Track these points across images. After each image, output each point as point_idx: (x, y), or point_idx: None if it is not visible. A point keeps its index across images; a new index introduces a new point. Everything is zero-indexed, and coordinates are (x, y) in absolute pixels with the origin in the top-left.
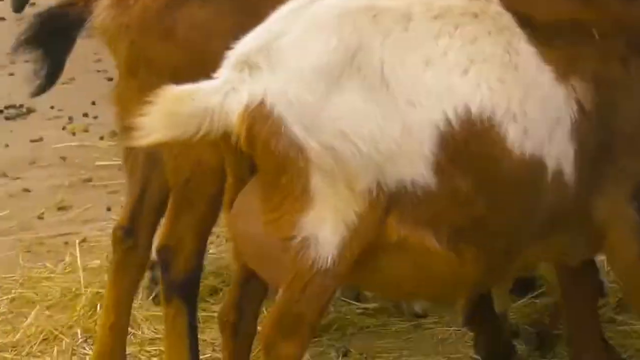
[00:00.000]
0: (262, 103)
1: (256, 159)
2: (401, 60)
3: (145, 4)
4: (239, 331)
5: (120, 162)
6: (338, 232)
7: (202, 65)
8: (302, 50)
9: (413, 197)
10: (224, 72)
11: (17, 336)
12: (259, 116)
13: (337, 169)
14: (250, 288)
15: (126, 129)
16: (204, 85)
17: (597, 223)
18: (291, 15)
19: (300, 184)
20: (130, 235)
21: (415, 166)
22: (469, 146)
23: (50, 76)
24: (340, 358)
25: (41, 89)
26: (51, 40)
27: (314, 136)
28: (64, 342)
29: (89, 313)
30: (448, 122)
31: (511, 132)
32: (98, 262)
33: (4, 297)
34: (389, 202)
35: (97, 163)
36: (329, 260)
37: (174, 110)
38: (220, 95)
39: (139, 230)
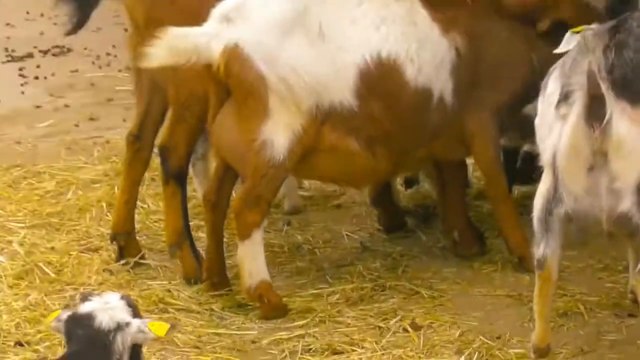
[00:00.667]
0: (236, 45)
1: (231, 86)
2: (334, 19)
3: None
4: (216, 206)
5: (132, 88)
6: (287, 138)
7: (196, 24)
8: (265, 9)
9: (341, 114)
10: (210, 22)
11: (59, 207)
12: (234, 55)
13: (288, 94)
14: (226, 176)
15: (137, 59)
16: (196, 29)
17: (467, 133)
18: None
19: (262, 103)
20: (138, 140)
21: (343, 93)
22: (379, 79)
23: (79, 23)
24: (285, 226)
25: (73, 31)
26: None
27: (273, 70)
28: (93, 211)
29: (110, 192)
30: (366, 62)
31: (409, 70)
32: (117, 157)
33: (52, 180)
34: (324, 117)
35: (117, 88)
36: (280, 157)
37: (173, 44)
38: (206, 37)
39: (145, 136)
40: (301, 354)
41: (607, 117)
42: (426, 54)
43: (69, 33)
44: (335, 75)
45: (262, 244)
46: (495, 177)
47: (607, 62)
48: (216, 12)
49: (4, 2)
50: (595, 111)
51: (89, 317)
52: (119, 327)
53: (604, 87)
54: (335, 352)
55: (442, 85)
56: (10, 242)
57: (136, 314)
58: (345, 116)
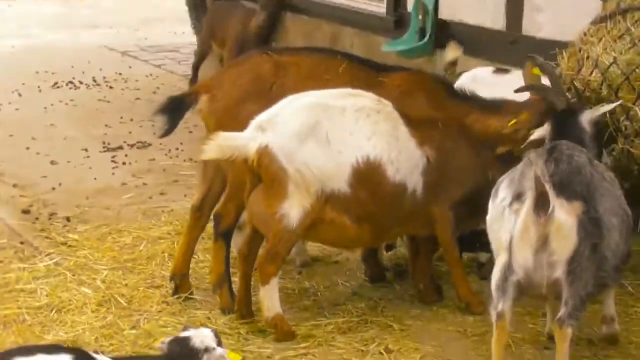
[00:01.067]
0: (266, 146)
1: (261, 174)
2: (337, 130)
3: (225, 101)
4: (247, 258)
5: (193, 173)
6: (299, 212)
7: None
8: (288, 122)
9: (338, 198)
10: (249, 129)
11: (134, 256)
12: (264, 153)
13: (301, 182)
14: (255, 238)
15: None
16: (239, 134)
17: (433, 219)
18: (283, 104)
19: (282, 187)
20: (199, 210)
21: (340, 183)
22: (367, 175)
23: (170, 128)
24: (297, 274)
25: (165, 135)
26: (173, 111)
27: (291, 165)
28: (158, 259)
29: (171, 246)
30: (358, 162)
31: (389, 169)
32: (177, 221)
33: (129, 236)
34: (326, 199)
35: (181, 172)
36: (294, 225)
37: (222, 143)
38: (246, 140)
39: (204, 208)
40: None
41: (550, 208)
42: (403, 159)
43: (162, 136)
44: (336, 170)
45: (277, 287)
46: (450, 249)
47: (548, 170)
48: (254, 122)
49: (104, 109)
50: (541, 205)
51: (186, 339)
52: (207, 350)
53: (547, 187)
54: None
55: (415, 182)
56: (94, 279)
57: (220, 344)
58: (341, 199)
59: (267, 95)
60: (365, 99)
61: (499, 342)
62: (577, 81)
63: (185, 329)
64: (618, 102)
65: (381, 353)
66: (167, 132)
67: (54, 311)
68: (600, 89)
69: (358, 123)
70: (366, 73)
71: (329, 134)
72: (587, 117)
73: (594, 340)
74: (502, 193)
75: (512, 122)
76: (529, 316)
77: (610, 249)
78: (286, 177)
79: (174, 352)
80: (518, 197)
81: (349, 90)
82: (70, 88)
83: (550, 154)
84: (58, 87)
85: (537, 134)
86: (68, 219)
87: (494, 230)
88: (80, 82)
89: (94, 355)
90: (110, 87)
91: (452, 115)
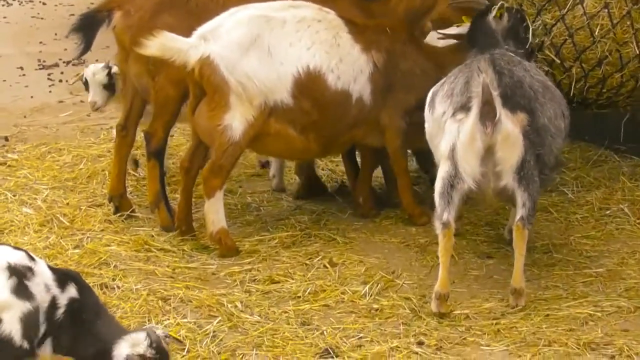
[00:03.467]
0: (208, 57)
1: (204, 86)
2: (278, 42)
3: (140, 15)
4: (189, 172)
5: None
6: (242, 124)
7: None
8: (230, 33)
9: (281, 109)
10: (193, 37)
11: (74, 174)
12: (206, 63)
13: (243, 94)
14: (198, 149)
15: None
16: (183, 38)
17: (382, 126)
18: (226, 15)
19: (224, 99)
20: (124, 128)
21: (282, 94)
22: (307, 84)
23: (85, 48)
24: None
25: (80, 55)
26: (86, 30)
27: (233, 76)
28: (99, 177)
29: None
30: (298, 72)
31: (330, 78)
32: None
33: (69, 154)
34: (270, 111)
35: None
36: (237, 138)
37: (165, 42)
38: (188, 46)
39: (129, 125)
40: (248, 282)
41: (497, 117)
42: (345, 66)
43: (78, 56)
44: (277, 82)
45: (222, 201)
46: (398, 158)
47: (495, 80)
48: (198, 31)
49: (38, 26)
50: (486, 115)
51: None
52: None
53: (495, 96)
54: (274, 282)
55: (360, 88)
56: (35, 199)
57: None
58: (285, 110)
59: (184, 6)
60: (307, 9)
61: (446, 250)
62: None
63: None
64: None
65: (325, 266)
66: (84, 50)
67: None
68: None
69: (298, 33)
70: None
71: (270, 45)
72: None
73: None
74: (440, 107)
75: None
76: (470, 225)
77: (552, 153)
78: (228, 88)
79: None
80: (462, 107)
81: (289, 1)
82: (3, 5)
83: (493, 64)
84: None
85: (457, 29)
86: (6, 139)
87: (435, 143)
88: None
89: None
90: (44, 4)
91: (400, 20)
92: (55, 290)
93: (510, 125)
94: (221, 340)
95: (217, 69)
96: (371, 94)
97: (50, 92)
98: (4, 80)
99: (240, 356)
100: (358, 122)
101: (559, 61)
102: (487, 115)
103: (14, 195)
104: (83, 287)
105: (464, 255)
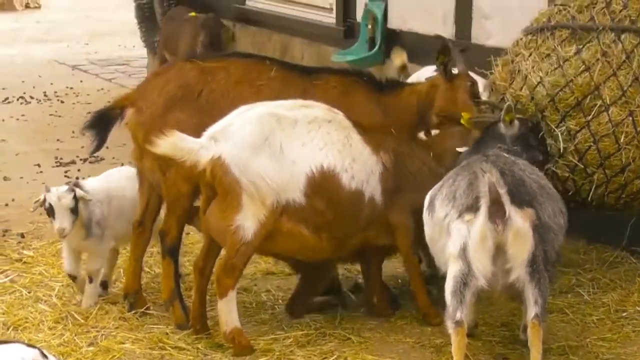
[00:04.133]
0: (219, 157)
1: (215, 186)
2: (290, 141)
3: (151, 111)
4: (203, 271)
5: None
6: (254, 223)
7: None
8: (242, 133)
9: (294, 208)
10: (203, 137)
11: None
12: (217, 164)
13: (255, 193)
14: (212, 249)
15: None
16: (194, 138)
17: (392, 226)
18: (236, 114)
19: (236, 199)
20: (141, 225)
21: (295, 193)
22: (321, 184)
23: (98, 146)
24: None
25: (94, 152)
26: (100, 127)
27: (245, 176)
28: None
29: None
30: (312, 172)
31: (344, 177)
32: None
33: None
34: (282, 210)
35: None
36: (249, 237)
37: (175, 142)
38: (199, 146)
39: (145, 223)
40: None
41: (507, 214)
42: (358, 167)
43: (91, 153)
44: (290, 181)
45: (234, 301)
46: (410, 257)
47: (501, 178)
48: (208, 131)
49: (55, 124)
50: (496, 213)
51: None
52: None
53: (502, 193)
54: None
55: (372, 189)
56: (50, 296)
57: None
58: (297, 209)
59: (195, 102)
60: (317, 109)
61: (459, 348)
62: (508, 94)
63: None
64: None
65: None
66: (97, 147)
67: (10, 329)
68: (530, 104)
69: (310, 134)
70: (299, 77)
71: (282, 144)
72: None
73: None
74: (441, 210)
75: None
76: (485, 326)
77: (554, 250)
78: (240, 188)
79: None
80: (469, 209)
81: (300, 101)
82: (21, 103)
83: (495, 165)
84: (9, 102)
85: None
86: (22, 235)
87: (439, 247)
88: (31, 97)
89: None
90: (62, 102)
91: (402, 122)
92: None
93: (520, 220)
94: None
95: (228, 169)
96: (382, 195)
97: None
98: (21, 177)
99: None
100: (370, 223)
101: (582, 166)
102: (497, 213)
103: (29, 292)
104: None
105: (480, 356)
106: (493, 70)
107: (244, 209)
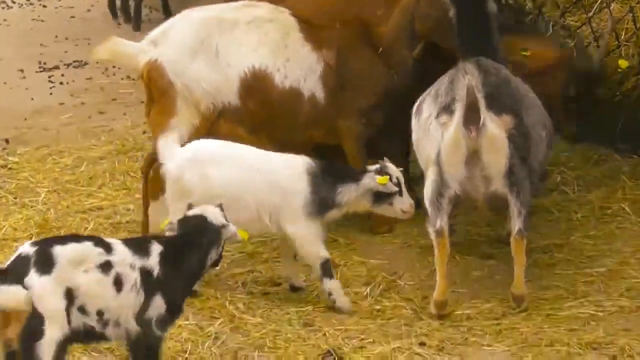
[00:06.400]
0: (155, 61)
1: (152, 89)
2: (226, 43)
3: None
4: (147, 176)
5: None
6: (189, 127)
7: None
8: (178, 36)
9: (230, 110)
10: (143, 42)
11: (74, 176)
12: (154, 67)
13: (190, 97)
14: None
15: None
16: (132, 43)
17: (337, 128)
18: (178, 17)
19: (171, 103)
20: None
21: (230, 95)
22: (255, 85)
23: None
24: None
25: None
26: None
27: (179, 79)
28: (99, 180)
29: (112, 166)
30: (245, 73)
31: (276, 77)
32: (118, 141)
33: (70, 157)
34: (219, 113)
35: (119, 91)
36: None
37: (115, 47)
38: (137, 50)
39: None
40: (250, 284)
41: (481, 121)
42: (294, 65)
43: None
44: (224, 83)
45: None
46: (357, 162)
47: (481, 79)
48: (149, 35)
49: (38, 28)
50: (471, 118)
51: (200, 217)
52: (223, 226)
53: (479, 98)
54: (276, 284)
55: (311, 87)
56: (36, 201)
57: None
58: (233, 112)
59: None
60: (261, 9)
61: (441, 258)
62: None
63: (189, 207)
64: None
65: None
66: None
67: None
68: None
69: (247, 35)
70: None
71: (219, 47)
72: None
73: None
74: (426, 110)
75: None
76: (471, 226)
77: (537, 160)
78: (175, 92)
79: (189, 230)
80: (445, 109)
81: (246, 1)
82: (3, 8)
83: (478, 67)
84: None
85: None
86: (7, 141)
87: (421, 148)
88: (13, 2)
89: (107, 239)
90: (44, 6)
91: (350, 17)
92: None
93: (495, 129)
94: (223, 342)
95: (164, 72)
96: (324, 93)
97: (50, 94)
98: (5, 83)
99: (243, 358)
100: (312, 121)
101: None
102: (471, 119)
103: (14, 198)
104: None
105: (465, 255)
106: None
107: (179, 114)
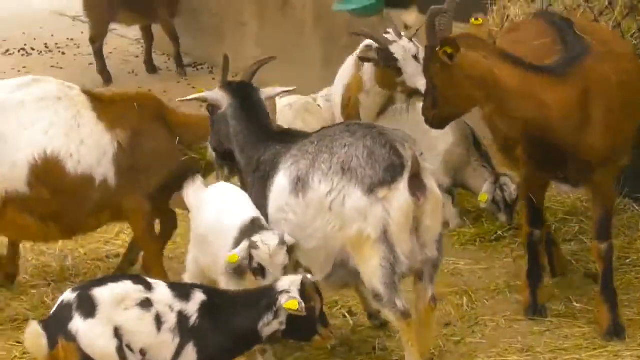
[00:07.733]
0: None
1: None
2: (13, 127)
3: None
4: None
5: None
6: None
7: None
8: None
9: (19, 198)
10: None
11: None
12: None
13: None
14: None
15: None
16: None
17: (126, 210)
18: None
19: None
20: None
21: (18, 183)
22: (46, 172)
23: None
24: None
25: None
26: None
27: None
28: None
29: None
30: (34, 159)
31: (69, 164)
32: None
33: None
34: (5, 201)
35: None
36: None
37: None
38: None
39: None
40: None
41: (427, 187)
42: (87, 149)
43: None
44: (12, 170)
45: None
46: (146, 244)
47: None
48: None
49: (57, 76)
50: (414, 186)
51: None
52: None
53: (422, 166)
54: None
55: (104, 171)
56: None
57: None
58: (22, 199)
59: None
60: (50, 84)
61: (413, 336)
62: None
63: None
64: None
65: (345, 316)
66: None
67: None
68: None
69: (37, 115)
70: None
71: (4, 131)
72: None
73: None
74: (323, 186)
75: None
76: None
77: None
78: None
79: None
80: (381, 184)
81: (32, 77)
82: (22, 55)
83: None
84: (10, 54)
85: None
86: None
87: (308, 233)
88: (32, 49)
89: (147, 279)
90: (63, 53)
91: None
92: None
93: (437, 190)
94: None
95: None
96: (115, 176)
97: None
98: None
99: None
100: (101, 206)
101: None
102: (415, 186)
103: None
104: None
105: None
106: (488, 16)
107: None
